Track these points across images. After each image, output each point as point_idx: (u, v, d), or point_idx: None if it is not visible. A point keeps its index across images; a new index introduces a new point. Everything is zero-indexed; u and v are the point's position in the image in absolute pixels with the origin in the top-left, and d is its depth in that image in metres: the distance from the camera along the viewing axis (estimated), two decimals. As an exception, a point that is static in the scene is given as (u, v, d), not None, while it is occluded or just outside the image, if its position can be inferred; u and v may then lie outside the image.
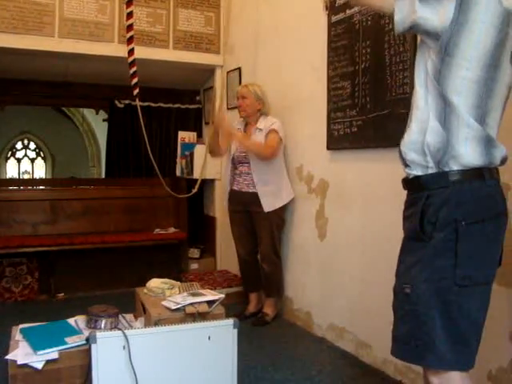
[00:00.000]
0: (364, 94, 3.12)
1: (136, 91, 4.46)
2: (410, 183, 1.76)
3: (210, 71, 5.55)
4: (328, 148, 3.53)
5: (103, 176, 8.04)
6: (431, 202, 1.63)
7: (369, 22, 3.11)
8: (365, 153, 3.19)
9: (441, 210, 1.60)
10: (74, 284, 4.88)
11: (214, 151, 4.22)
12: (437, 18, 1.57)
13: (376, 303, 3.07)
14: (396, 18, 1.65)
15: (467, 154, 1.61)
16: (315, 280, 3.78)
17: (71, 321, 2.83)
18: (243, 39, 4.88)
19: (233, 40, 5.10)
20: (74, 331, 2.67)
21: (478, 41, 1.57)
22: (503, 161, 1.70)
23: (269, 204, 3.89)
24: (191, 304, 2.77)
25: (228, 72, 5.18)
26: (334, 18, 3.43)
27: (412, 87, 1.77)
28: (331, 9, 3.48)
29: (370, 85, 3.09)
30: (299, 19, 3.96)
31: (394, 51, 2.87)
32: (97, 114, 8.35)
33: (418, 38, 1.77)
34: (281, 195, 3.98)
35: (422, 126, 1.67)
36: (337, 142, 3.42)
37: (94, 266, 4.96)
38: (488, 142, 1.62)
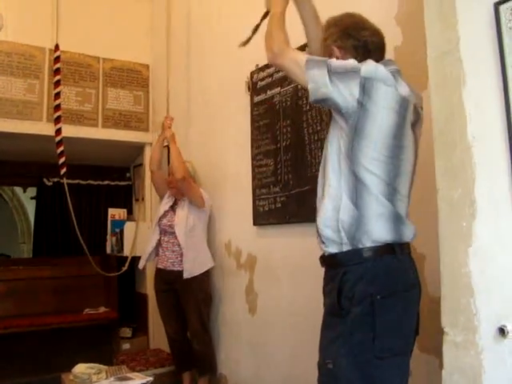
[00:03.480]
0: (286, 171, 3.24)
1: (63, 170, 4.45)
2: (326, 260, 1.83)
3: (139, 148, 5.61)
4: (254, 223, 3.60)
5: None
6: (347, 278, 1.69)
7: (288, 103, 3.27)
8: (289, 228, 3.27)
9: (357, 286, 1.66)
10: (-2, 372, 4.61)
11: (153, 164, 4.30)
12: (345, 98, 1.69)
13: (308, 376, 3.06)
14: (309, 86, 1.74)
15: (377, 230, 1.70)
16: (248, 355, 3.74)
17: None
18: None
19: (161, 118, 5.18)
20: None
21: (381, 124, 1.70)
22: (412, 238, 1.80)
23: (188, 270, 3.86)
24: (118, 389, 2.70)
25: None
26: (256, 99, 3.59)
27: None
28: (253, 90, 3.64)
29: (292, 162, 3.21)
30: (225, 99, 4.11)
31: (312, 130, 3.02)
32: (25, 191, 8.18)
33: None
34: (200, 262, 3.96)
35: (335, 203, 1.75)
36: (262, 217, 3.50)
37: (19, 352, 4.72)
38: (397, 220, 1.72)
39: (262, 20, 2.18)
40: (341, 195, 1.74)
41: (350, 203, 1.72)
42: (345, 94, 1.68)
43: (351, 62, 1.74)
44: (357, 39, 1.86)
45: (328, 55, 1.88)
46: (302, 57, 1.80)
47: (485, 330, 1.41)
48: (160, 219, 4.08)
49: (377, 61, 1.83)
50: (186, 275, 3.84)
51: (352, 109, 1.69)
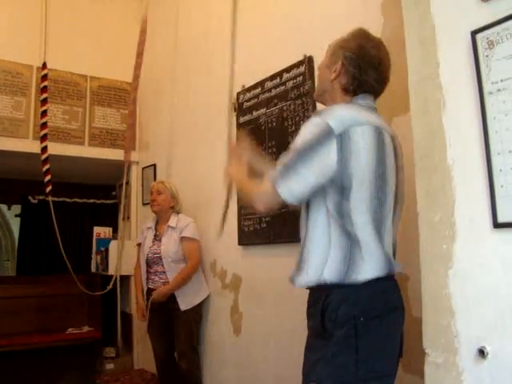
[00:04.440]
0: (272, 192, 3.25)
1: (49, 188, 4.44)
2: None
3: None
4: (239, 243, 3.60)
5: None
6: (331, 300, 1.69)
7: (274, 124, 3.30)
8: (274, 248, 3.28)
9: (340, 308, 1.66)
10: (-24, 394, 4.54)
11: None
12: (324, 172, 1.67)
13: (292, 398, 3.05)
14: (287, 199, 1.70)
15: (367, 271, 1.68)
16: (232, 376, 3.72)
17: None
18: (158, 137, 5.00)
19: (148, 137, 5.21)
20: None
21: (366, 163, 1.68)
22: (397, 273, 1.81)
23: (185, 303, 3.85)
24: (100, 411, 2.67)
25: (143, 168, 5.25)
26: (242, 119, 3.63)
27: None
28: (239, 110, 3.67)
29: (277, 182, 3.22)
30: (211, 119, 4.13)
31: (297, 151, 3.05)
32: (9, 209, 8.12)
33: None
34: (197, 293, 3.95)
35: (321, 264, 1.72)
36: (247, 237, 3.51)
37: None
38: (386, 260, 1.72)
39: (225, 210, 2.42)
40: (329, 253, 1.71)
41: (339, 259, 1.70)
42: (325, 164, 1.66)
43: (319, 132, 1.67)
44: (361, 73, 1.83)
45: (331, 57, 1.89)
46: (271, 187, 1.73)
47: (465, 352, 1.42)
48: (146, 252, 4.03)
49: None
50: (183, 308, 3.83)
51: (334, 172, 1.66)
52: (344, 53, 1.86)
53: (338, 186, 1.68)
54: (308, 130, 1.71)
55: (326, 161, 1.66)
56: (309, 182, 1.68)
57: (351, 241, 1.69)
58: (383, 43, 1.91)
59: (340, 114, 1.72)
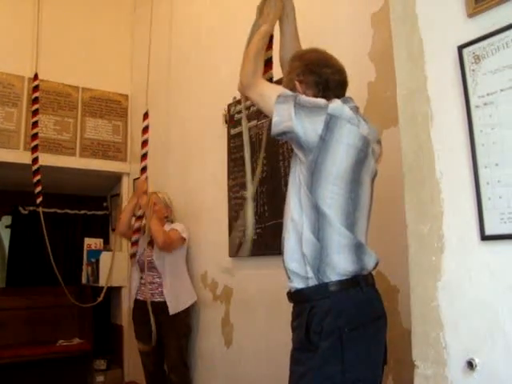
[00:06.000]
0: (262, 203, 3.26)
1: (39, 199, 4.42)
2: (293, 296, 1.85)
3: (116, 178, 5.60)
4: (230, 255, 3.60)
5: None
6: (315, 312, 1.71)
7: (264, 136, 3.30)
8: (265, 259, 3.28)
9: (325, 320, 1.68)
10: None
11: (123, 227, 4.17)
12: (307, 132, 1.72)
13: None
14: (274, 119, 1.77)
15: (341, 261, 1.73)
16: (223, 389, 3.71)
17: None
18: (150, 148, 4.98)
19: (139, 149, 5.19)
20: None
21: (341, 159, 1.73)
22: (375, 266, 1.84)
23: (172, 307, 3.83)
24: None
25: (135, 179, 5.24)
26: (233, 131, 3.64)
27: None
28: (230, 122, 3.68)
29: (268, 194, 3.24)
30: (203, 131, 4.14)
31: (288, 163, 3.04)
32: (-1, 220, 8.07)
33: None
34: (183, 298, 3.93)
35: (298, 236, 1.78)
36: (238, 249, 3.50)
37: (-12, 385, 4.60)
38: (358, 249, 1.76)
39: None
40: (302, 228, 1.77)
41: (312, 236, 1.75)
42: (308, 128, 1.71)
43: (319, 100, 1.78)
44: (318, 75, 1.90)
45: (290, 88, 1.93)
46: (272, 91, 1.84)
47: (454, 364, 1.42)
48: (139, 256, 4.04)
49: (337, 97, 1.87)
50: (171, 312, 3.81)
51: (313, 144, 1.72)
52: (295, 73, 1.94)
53: (313, 165, 1.74)
54: (314, 98, 1.81)
55: (313, 126, 1.72)
56: (295, 126, 1.72)
57: (322, 219, 1.74)
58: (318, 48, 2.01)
59: (343, 106, 1.78)
